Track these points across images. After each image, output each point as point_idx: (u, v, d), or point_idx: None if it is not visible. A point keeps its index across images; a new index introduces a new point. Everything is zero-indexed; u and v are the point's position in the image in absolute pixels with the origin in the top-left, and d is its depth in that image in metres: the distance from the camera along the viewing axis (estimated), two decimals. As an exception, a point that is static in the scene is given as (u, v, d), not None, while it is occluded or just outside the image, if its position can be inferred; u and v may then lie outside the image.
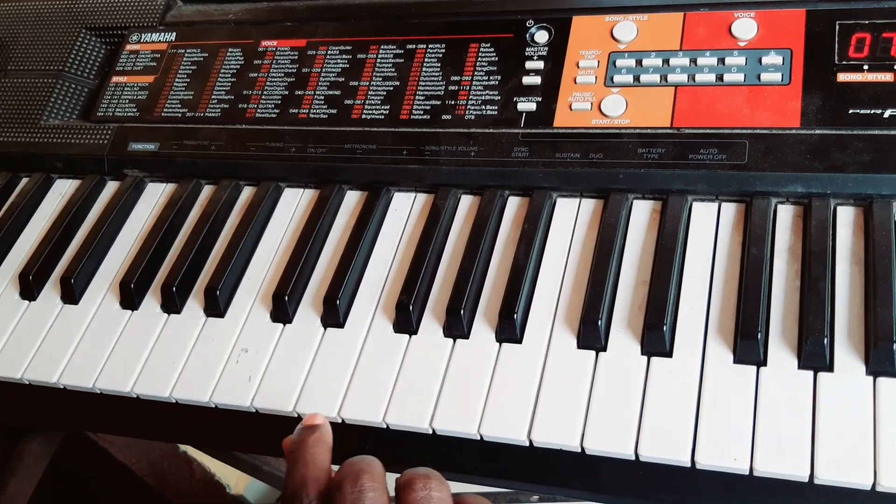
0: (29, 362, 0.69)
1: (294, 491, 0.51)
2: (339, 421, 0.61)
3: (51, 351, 0.70)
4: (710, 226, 0.64)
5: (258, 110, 0.78)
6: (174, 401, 0.65)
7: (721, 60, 0.68)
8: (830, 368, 0.55)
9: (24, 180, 0.84)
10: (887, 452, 0.51)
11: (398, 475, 0.52)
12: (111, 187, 0.81)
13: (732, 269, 0.61)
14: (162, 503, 1.30)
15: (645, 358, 0.58)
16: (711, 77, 0.68)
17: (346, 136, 0.74)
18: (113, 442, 1.16)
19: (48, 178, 0.83)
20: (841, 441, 0.52)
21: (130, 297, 0.71)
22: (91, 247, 0.74)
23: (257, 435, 0.64)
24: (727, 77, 0.67)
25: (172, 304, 0.70)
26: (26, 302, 0.74)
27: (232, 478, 1.48)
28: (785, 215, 0.63)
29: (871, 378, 0.54)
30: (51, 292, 0.74)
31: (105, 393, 0.67)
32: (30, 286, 0.74)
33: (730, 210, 0.64)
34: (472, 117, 0.72)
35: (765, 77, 0.66)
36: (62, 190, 0.82)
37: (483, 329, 0.63)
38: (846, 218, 0.61)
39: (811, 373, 0.55)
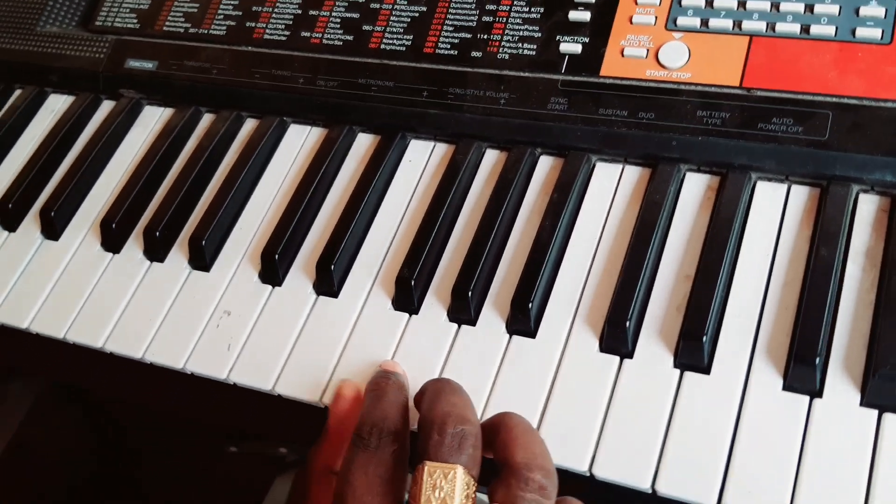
0: (2, 302, 0.63)
1: (372, 422, 0.45)
2: (323, 406, 0.54)
3: (25, 292, 0.63)
4: (775, 212, 0.53)
5: (267, 30, 0.69)
6: (148, 362, 0.59)
7: (809, 7, 0.56)
8: (901, 409, 0.45)
9: (18, 92, 0.76)
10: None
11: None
12: (105, 108, 0.73)
13: (795, 268, 0.51)
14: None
15: (678, 371, 0.49)
16: (795, 28, 0.56)
17: (360, 69, 0.65)
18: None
19: (41, 93, 0.75)
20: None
21: (112, 238, 0.64)
22: (76, 177, 0.67)
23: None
24: (815, 29, 0.55)
25: (155, 251, 0.62)
26: (6, 233, 0.68)
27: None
28: (867, 207, 0.52)
29: (949, 427, 0.44)
30: (31, 224, 0.67)
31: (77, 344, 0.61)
32: (9, 216, 0.67)
33: (801, 195, 0.54)
34: (506, 56, 0.62)
35: (861, 32, 0.54)
36: (55, 107, 0.74)
37: (493, 316, 0.54)
38: (944, 219, 0.50)
39: (875, 412, 0.46)
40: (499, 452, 0.43)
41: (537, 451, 0.43)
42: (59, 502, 0.85)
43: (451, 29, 0.64)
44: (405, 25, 0.65)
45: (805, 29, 0.56)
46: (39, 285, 0.63)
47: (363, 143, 0.64)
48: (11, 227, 0.67)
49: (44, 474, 0.84)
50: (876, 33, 0.54)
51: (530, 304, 0.52)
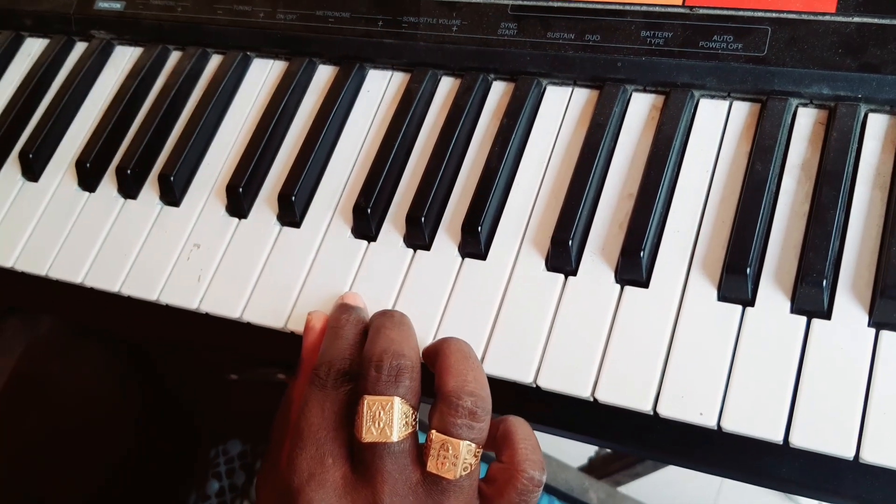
0: (-13, 243, 0.66)
1: (328, 362, 0.49)
2: (289, 332, 0.57)
3: (9, 233, 0.66)
4: (716, 129, 0.55)
5: (228, -34, 0.70)
6: (125, 295, 0.62)
7: (753, -79, 0.56)
8: (828, 315, 0.47)
9: (-5, 37, 0.78)
10: (882, 420, 0.44)
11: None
12: (79, 50, 0.74)
13: (733, 184, 0.53)
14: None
15: (618, 286, 0.52)
16: (739, -58, 0.56)
17: (317, 0, 0.66)
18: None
19: (18, 37, 0.77)
20: (825, 405, 0.45)
21: (87, 178, 0.66)
22: (52, 118, 0.69)
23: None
24: (758, -58, 0.56)
25: (128, 188, 0.65)
26: (-11, 176, 0.70)
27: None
28: (805, 121, 0.53)
29: (873, 330, 0.46)
30: (13, 167, 0.70)
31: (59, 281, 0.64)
32: (-10, 160, 0.70)
33: (742, 111, 0.55)
34: (458, -17, 0.62)
35: (803, -56, 0.55)
36: (31, 51, 0.76)
37: (447, 240, 0.56)
38: (877, 129, 0.51)
39: (804, 318, 0.48)
40: (436, 380, 0.46)
41: (469, 378, 0.46)
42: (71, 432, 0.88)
43: (404, -43, 0.64)
44: (360, -44, 0.66)
45: (747, -56, 0.56)
46: (22, 226, 0.66)
47: (323, 76, 0.66)
48: (-7, 171, 0.70)
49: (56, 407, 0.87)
50: (817, -55, 0.54)
51: (479, 228, 0.54)
